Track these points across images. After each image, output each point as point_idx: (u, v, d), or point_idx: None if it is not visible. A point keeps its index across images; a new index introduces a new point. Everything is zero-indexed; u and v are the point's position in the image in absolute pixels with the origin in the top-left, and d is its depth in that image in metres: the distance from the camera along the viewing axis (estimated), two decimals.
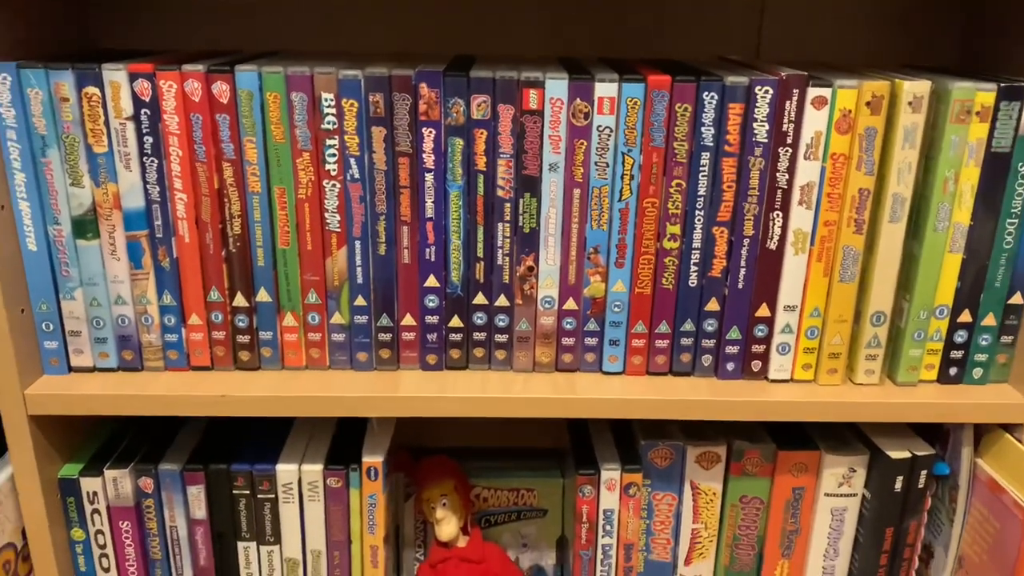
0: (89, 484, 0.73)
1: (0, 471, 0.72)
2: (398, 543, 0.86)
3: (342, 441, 0.78)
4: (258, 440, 0.78)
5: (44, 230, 0.67)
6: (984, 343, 0.72)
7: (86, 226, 0.67)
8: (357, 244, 0.69)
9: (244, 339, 0.72)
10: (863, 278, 0.70)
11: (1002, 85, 0.64)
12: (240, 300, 0.70)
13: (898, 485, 0.75)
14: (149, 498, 0.75)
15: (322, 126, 0.66)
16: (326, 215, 0.68)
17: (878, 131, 0.65)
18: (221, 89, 0.64)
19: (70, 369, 0.71)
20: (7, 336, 0.66)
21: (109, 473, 0.73)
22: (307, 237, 0.69)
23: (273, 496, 0.75)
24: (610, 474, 0.76)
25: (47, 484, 0.72)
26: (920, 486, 0.76)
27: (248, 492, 0.75)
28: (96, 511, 0.74)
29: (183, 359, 0.72)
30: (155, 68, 0.64)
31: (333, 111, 0.65)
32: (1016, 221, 0.68)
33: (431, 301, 0.71)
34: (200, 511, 0.75)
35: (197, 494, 0.75)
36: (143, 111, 0.65)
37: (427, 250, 0.70)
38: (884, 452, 0.75)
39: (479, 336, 0.73)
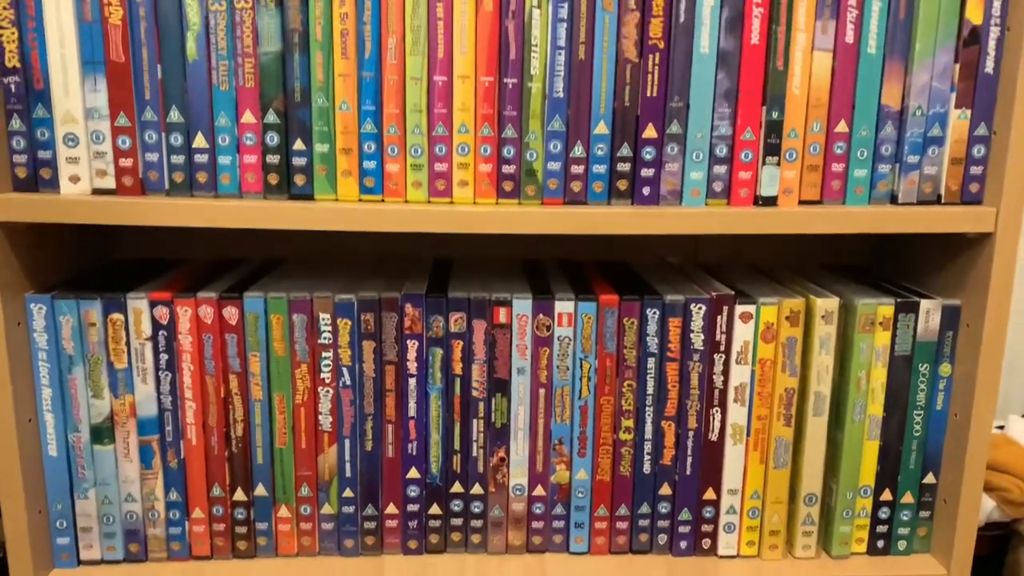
0: None
1: None
2: None
3: None
4: None
5: (65, 437, 0.74)
6: (905, 518, 0.81)
7: (103, 433, 0.75)
8: (347, 442, 0.77)
9: (242, 530, 0.78)
10: (794, 464, 0.79)
11: (899, 301, 0.76)
12: (240, 495, 0.78)
13: None
14: None
15: (319, 341, 0.75)
16: (319, 417, 0.77)
17: (798, 339, 0.76)
18: (231, 313, 0.74)
19: (79, 562, 0.77)
20: (25, 538, 0.72)
21: None
22: (302, 437, 0.77)
23: None
24: None
25: None
26: None
27: None
28: None
29: (185, 549, 0.78)
30: (173, 296, 0.73)
31: (329, 329, 0.75)
32: (922, 412, 0.79)
33: (413, 491, 0.79)
34: None
35: None
36: (161, 332, 0.74)
37: (409, 445, 0.78)
38: None
39: (456, 522, 0.80)
